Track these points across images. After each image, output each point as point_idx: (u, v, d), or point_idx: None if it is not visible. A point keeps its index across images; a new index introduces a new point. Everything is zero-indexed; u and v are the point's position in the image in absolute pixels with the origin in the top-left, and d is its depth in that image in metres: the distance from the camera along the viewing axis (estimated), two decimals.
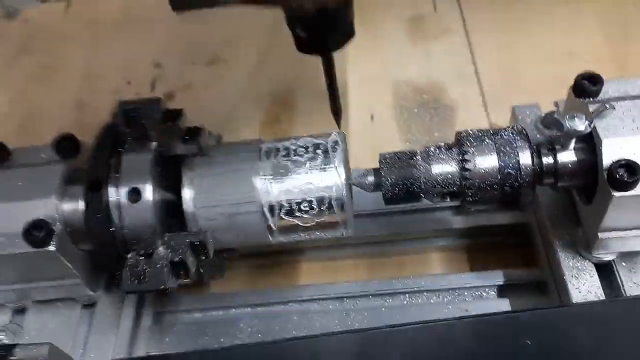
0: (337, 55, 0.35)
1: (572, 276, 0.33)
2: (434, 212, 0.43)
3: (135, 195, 0.32)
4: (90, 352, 0.35)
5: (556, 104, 0.36)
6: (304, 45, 0.29)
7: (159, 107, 0.35)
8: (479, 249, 0.43)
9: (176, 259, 0.32)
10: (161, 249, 0.32)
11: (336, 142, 0.34)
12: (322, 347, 0.24)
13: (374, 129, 0.52)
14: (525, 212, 0.41)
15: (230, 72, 0.59)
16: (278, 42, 0.60)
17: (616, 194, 0.29)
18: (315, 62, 0.60)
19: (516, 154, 0.31)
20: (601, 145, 0.30)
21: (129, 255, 0.32)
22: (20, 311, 0.38)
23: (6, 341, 0.35)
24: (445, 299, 0.39)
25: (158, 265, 0.31)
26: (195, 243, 0.32)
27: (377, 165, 0.34)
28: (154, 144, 0.33)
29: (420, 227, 0.43)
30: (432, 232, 0.43)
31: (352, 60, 0.56)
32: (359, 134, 0.52)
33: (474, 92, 0.53)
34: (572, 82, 0.33)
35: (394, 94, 0.54)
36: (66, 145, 0.36)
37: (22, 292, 0.36)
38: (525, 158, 0.32)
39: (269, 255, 0.44)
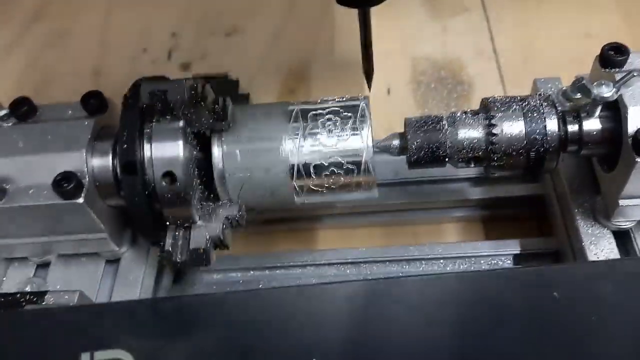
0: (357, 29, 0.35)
1: (591, 243, 0.34)
2: (451, 183, 0.43)
3: (169, 178, 0.32)
4: None
5: (579, 76, 0.36)
6: None
7: (185, 87, 0.33)
8: (495, 221, 0.43)
9: (215, 236, 0.32)
10: (199, 223, 0.32)
11: (363, 107, 0.34)
12: (331, 293, 0.24)
13: (390, 103, 0.53)
14: (542, 184, 0.42)
15: (247, 43, 0.59)
16: (295, 13, 0.60)
17: None
18: (330, 35, 0.60)
19: (543, 119, 0.32)
20: (627, 113, 0.31)
21: (168, 228, 0.32)
22: (44, 266, 0.38)
23: None
24: (462, 266, 0.40)
25: (200, 245, 0.31)
26: (230, 215, 0.33)
27: None
28: (182, 123, 0.33)
29: (437, 197, 0.43)
30: (449, 203, 0.43)
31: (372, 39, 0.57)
32: (374, 107, 0.52)
33: (491, 69, 0.53)
34: (589, 59, 0.34)
35: (412, 69, 0.55)
36: (94, 102, 0.36)
37: (48, 245, 0.36)
38: (551, 124, 0.32)
39: (285, 221, 0.45)
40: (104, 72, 0.58)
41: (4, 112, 0.37)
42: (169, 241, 0.32)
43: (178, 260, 0.31)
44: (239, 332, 0.22)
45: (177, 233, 0.32)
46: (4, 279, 0.38)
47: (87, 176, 0.33)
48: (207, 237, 0.32)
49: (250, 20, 0.60)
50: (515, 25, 0.56)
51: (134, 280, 0.37)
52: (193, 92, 0.32)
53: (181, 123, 0.32)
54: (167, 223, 0.33)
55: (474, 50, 0.55)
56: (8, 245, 0.36)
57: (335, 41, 0.57)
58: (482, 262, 0.40)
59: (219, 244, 0.32)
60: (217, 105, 0.32)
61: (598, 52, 0.34)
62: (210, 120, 0.32)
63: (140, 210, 0.32)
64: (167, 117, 0.32)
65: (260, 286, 0.39)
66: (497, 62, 0.53)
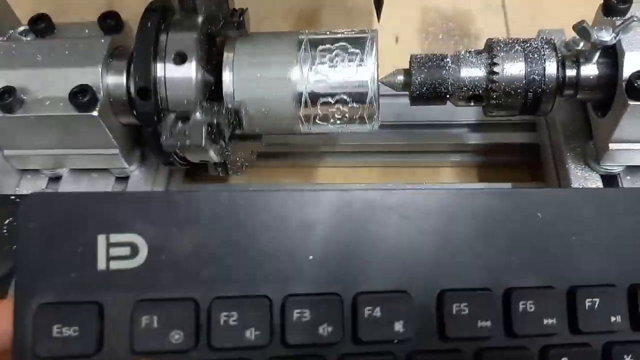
0: None
1: (579, 185, 0.36)
2: (450, 128, 0.45)
3: (180, 58, 0.33)
4: None
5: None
6: None
7: None
8: (490, 167, 0.45)
9: (212, 121, 0.34)
10: (198, 114, 0.34)
11: (371, 41, 0.35)
12: (332, 199, 0.25)
13: (397, 51, 0.53)
14: (537, 133, 0.43)
15: None
16: None
17: (632, 102, 0.31)
18: None
19: (543, 61, 0.33)
20: (623, 57, 0.32)
21: (168, 116, 0.33)
22: (55, 180, 0.40)
23: None
24: None
25: (196, 128, 0.33)
26: (230, 110, 0.34)
27: None
28: (201, 18, 0.34)
29: (435, 140, 0.45)
30: (447, 147, 0.45)
31: None
32: (382, 53, 0.53)
33: (499, 23, 0.54)
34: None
35: (421, 19, 0.55)
36: (110, 22, 0.37)
37: (61, 158, 0.38)
38: (550, 67, 0.33)
39: (287, 156, 0.46)
40: (116, 6, 0.58)
41: (22, 28, 0.38)
42: (167, 125, 0.33)
43: (172, 143, 0.32)
44: (242, 229, 0.24)
45: (176, 123, 0.33)
46: (17, 189, 0.39)
47: (101, 91, 0.35)
48: (205, 126, 0.33)
49: None
50: None
51: None
52: None
53: (200, 17, 0.34)
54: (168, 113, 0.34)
55: (483, 3, 0.55)
56: (22, 156, 0.38)
57: None
58: None
59: (216, 132, 0.33)
60: (237, 10, 0.34)
61: None
62: (228, 24, 0.34)
63: (148, 83, 0.33)
64: (190, 11, 0.33)
65: None
66: (505, 17, 0.54)
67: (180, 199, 0.24)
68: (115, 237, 0.23)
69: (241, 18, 0.34)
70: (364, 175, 0.46)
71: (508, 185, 0.41)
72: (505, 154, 0.44)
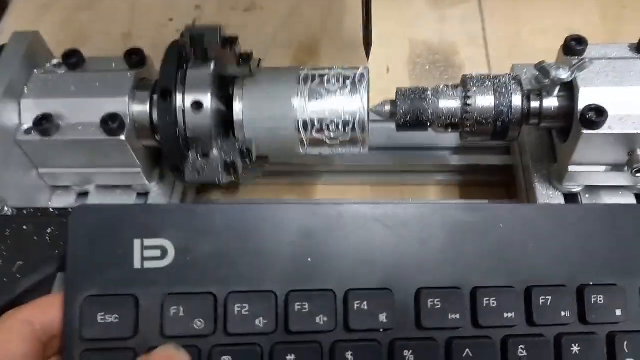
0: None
1: (544, 202, 0.41)
2: (434, 150, 0.50)
3: (197, 106, 0.38)
4: None
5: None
6: None
7: (220, 34, 0.41)
8: (470, 185, 0.50)
9: (228, 160, 0.39)
10: (215, 152, 0.39)
11: (362, 75, 0.41)
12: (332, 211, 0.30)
13: (388, 80, 0.59)
14: (511, 156, 0.48)
15: (264, 19, 0.65)
16: None
17: (585, 131, 0.36)
18: (340, 17, 0.66)
19: (510, 95, 0.38)
20: (579, 93, 0.37)
21: (190, 154, 0.39)
22: (83, 195, 0.45)
23: None
24: None
25: (214, 164, 0.38)
26: (243, 149, 0.40)
27: None
28: (213, 64, 0.40)
29: (421, 161, 0.50)
30: (431, 167, 0.50)
31: (374, 18, 0.63)
32: (374, 82, 0.58)
33: (480, 55, 0.59)
34: None
35: (410, 51, 0.61)
36: (135, 57, 0.43)
37: (89, 176, 0.43)
38: (516, 100, 0.39)
39: (287, 175, 0.51)
40: (133, 35, 0.64)
41: (56, 61, 0.44)
42: (189, 162, 0.38)
43: (194, 176, 0.37)
44: (251, 235, 0.29)
45: (197, 159, 0.39)
46: (50, 202, 0.44)
47: (128, 118, 0.40)
48: (221, 162, 0.38)
49: None
50: (506, 19, 0.62)
51: None
52: (225, 39, 0.39)
53: (212, 65, 0.39)
54: (189, 150, 0.39)
55: (466, 38, 0.61)
56: (55, 174, 0.43)
57: (345, 21, 0.63)
58: None
59: (230, 167, 0.39)
60: (244, 54, 0.39)
61: None
62: (237, 67, 0.39)
63: (170, 129, 0.38)
64: (201, 58, 0.38)
65: None
66: (486, 50, 0.60)
67: (201, 211, 0.29)
68: (148, 242, 0.28)
69: (248, 61, 0.40)
70: (356, 193, 0.51)
71: (484, 202, 0.46)
72: (484, 174, 0.50)
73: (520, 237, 0.31)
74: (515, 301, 0.30)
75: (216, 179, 0.39)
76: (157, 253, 0.28)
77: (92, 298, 0.27)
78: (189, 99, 0.38)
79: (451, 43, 0.61)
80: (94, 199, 0.44)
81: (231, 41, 0.41)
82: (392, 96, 0.41)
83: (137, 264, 0.28)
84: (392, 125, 0.43)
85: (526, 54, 0.59)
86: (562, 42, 0.42)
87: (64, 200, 0.45)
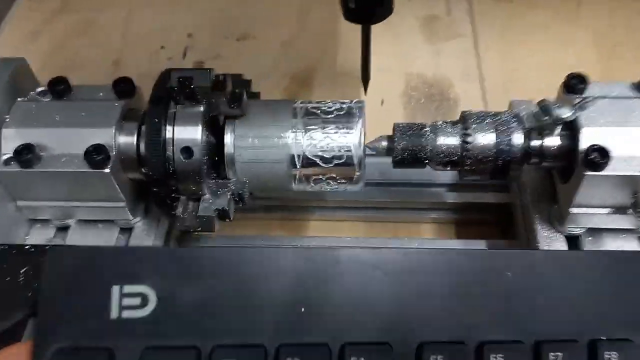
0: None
1: (546, 245, 0.39)
2: (430, 187, 0.49)
3: (187, 153, 0.36)
4: None
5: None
6: (351, 15, 0.34)
7: (209, 76, 0.38)
8: (466, 224, 0.49)
9: (220, 208, 0.37)
10: (207, 196, 0.37)
11: (358, 109, 0.39)
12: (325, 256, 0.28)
13: (383, 112, 0.58)
14: (509, 194, 0.47)
15: (257, 48, 0.64)
16: (304, 26, 0.66)
17: (588, 173, 0.35)
18: (334, 48, 0.65)
19: (511, 133, 0.37)
20: (580, 132, 0.36)
21: (180, 199, 0.37)
22: (63, 229, 0.43)
23: None
24: None
25: (206, 214, 0.36)
26: (235, 193, 0.38)
27: None
28: (202, 108, 0.37)
29: (416, 198, 0.48)
30: (426, 204, 0.49)
31: (371, 52, 0.63)
32: (369, 114, 0.57)
33: (475, 90, 0.59)
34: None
35: (405, 84, 0.60)
36: (123, 86, 0.41)
37: (70, 210, 0.41)
38: (517, 138, 0.37)
39: (278, 209, 0.50)
40: (123, 63, 0.63)
41: (41, 89, 0.42)
42: (180, 209, 0.36)
43: (187, 225, 0.35)
44: (240, 283, 0.27)
45: (187, 203, 0.37)
46: (27, 237, 0.42)
47: (114, 150, 0.38)
48: (213, 208, 0.36)
49: (261, 28, 0.66)
50: (501, 54, 0.62)
51: None
52: (215, 81, 0.37)
53: (202, 107, 0.37)
54: (180, 195, 0.37)
55: (462, 72, 0.60)
56: (34, 207, 0.41)
57: (339, 54, 0.63)
58: None
59: (222, 214, 0.37)
60: (234, 92, 0.37)
61: None
62: (227, 108, 0.37)
63: (161, 170, 0.36)
64: (191, 101, 0.37)
65: None
66: (481, 84, 0.59)
67: (185, 255, 0.27)
68: (128, 288, 0.26)
69: (240, 102, 0.38)
70: (349, 229, 0.49)
71: (482, 242, 0.45)
72: (480, 212, 0.48)
73: (528, 287, 0.29)
74: (524, 357, 0.28)
75: (210, 230, 0.37)
76: (137, 301, 0.26)
77: (63, 350, 0.25)
78: (178, 146, 0.36)
79: (446, 76, 0.60)
80: (74, 233, 0.42)
81: (222, 84, 0.39)
82: (386, 128, 0.40)
83: (114, 314, 0.26)
84: (387, 160, 0.41)
85: (521, 90, 0.58)
86: (557, 79, 0.41)
87: (43, 234, 0.42)
